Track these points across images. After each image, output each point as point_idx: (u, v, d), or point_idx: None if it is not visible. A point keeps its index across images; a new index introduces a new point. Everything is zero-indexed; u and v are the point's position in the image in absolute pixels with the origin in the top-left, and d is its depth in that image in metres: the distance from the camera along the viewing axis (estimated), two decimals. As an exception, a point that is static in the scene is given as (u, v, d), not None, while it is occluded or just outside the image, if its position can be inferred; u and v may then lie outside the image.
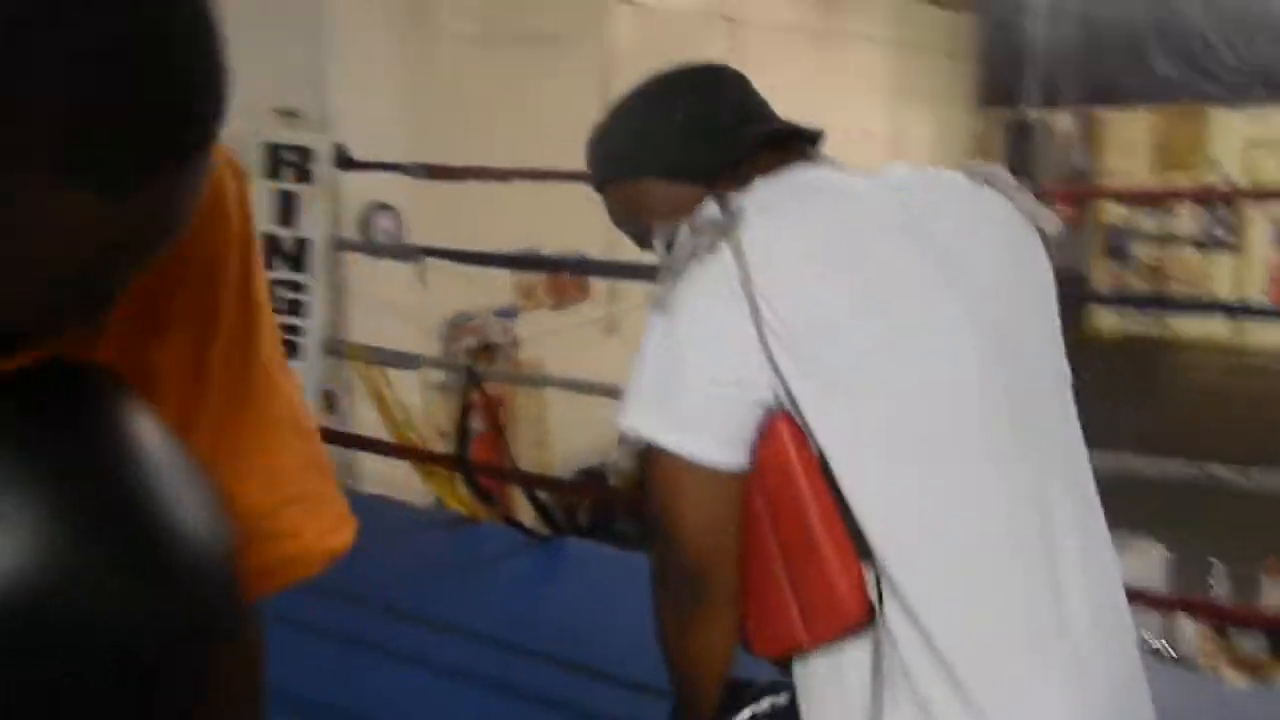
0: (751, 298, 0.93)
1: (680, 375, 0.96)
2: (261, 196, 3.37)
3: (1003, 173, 1.10)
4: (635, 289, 5.61)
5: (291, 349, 3.39)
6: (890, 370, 0.95)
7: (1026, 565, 0.95)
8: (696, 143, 1.11)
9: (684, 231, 0.98)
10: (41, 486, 0.49)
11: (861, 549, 0.93)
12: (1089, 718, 0.95)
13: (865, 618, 0.94)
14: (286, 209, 3.31)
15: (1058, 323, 1.08)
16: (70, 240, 0.48)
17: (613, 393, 3.45)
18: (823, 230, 0.99)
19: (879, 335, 0.96)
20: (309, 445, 0.74)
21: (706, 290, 0.95)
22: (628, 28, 6.15)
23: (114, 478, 0.52)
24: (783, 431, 0.95)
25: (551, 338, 6.06)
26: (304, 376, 3.34)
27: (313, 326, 3.40)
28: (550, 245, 5.15)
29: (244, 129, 3.47)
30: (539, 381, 4.89)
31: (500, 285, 5.11)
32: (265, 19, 3.93)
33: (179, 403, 0.65)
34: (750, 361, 0.94)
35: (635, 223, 1.16)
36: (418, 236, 4.06)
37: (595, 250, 5.80)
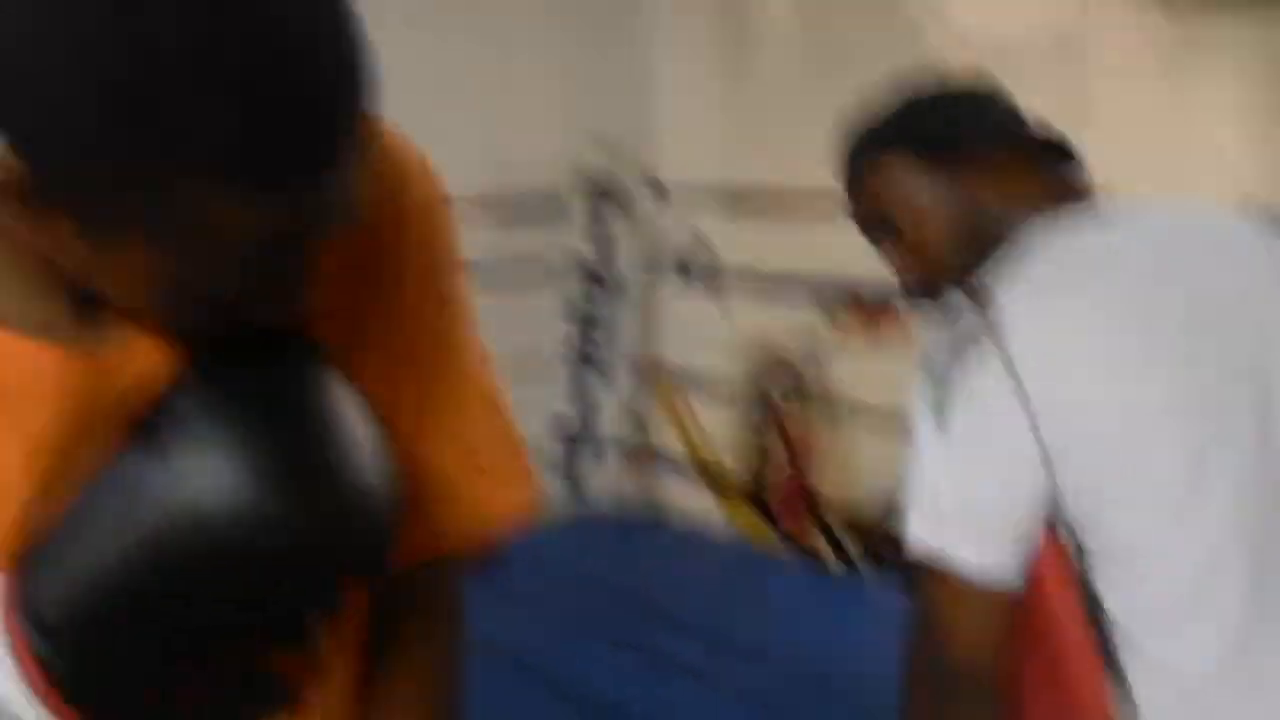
0: (1030, 412, 0.90)
1: (963, 491, 0.95)
2: (578, 224, 3.53)
3: None
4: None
5: (602, 371, 3.52)
6: (1172, 498, 0.92)
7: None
8: (961, 121, 1.08)
9: (944, 335, 0.96)
10: (236, 430, 0.59)
11: (1112, 667, 0.92)
12: None
13: None
14: (602, 236, 3.44)
15: None
16: (246, 229, 0.53)
17: None
18: (1100, 330, 0.93)
19: (1173, 461, 0.91)
20: (501, 421, 0.79)
21: (980, 406, 0.92)
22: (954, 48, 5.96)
23: (298, 430, 0.61)
24: (1048, 552, 0.94)
25: (864, 368, 5.93)
26: (613, 397, 3.46)
27: (622, 349, 3.51)
28: (868, 274, 5.06)
29: (569, 159, 3.64)
30: (847, 412, 4.79)
31: (814, 314, 5.07)
32: (591, 52, 4.15)
33: (380, 374, 0.71)
34: (1030, 479, 0.92)
35: (880, 211, 1.11)
36: (734, 262, 4.10)
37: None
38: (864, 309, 5.78)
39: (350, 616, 0.74)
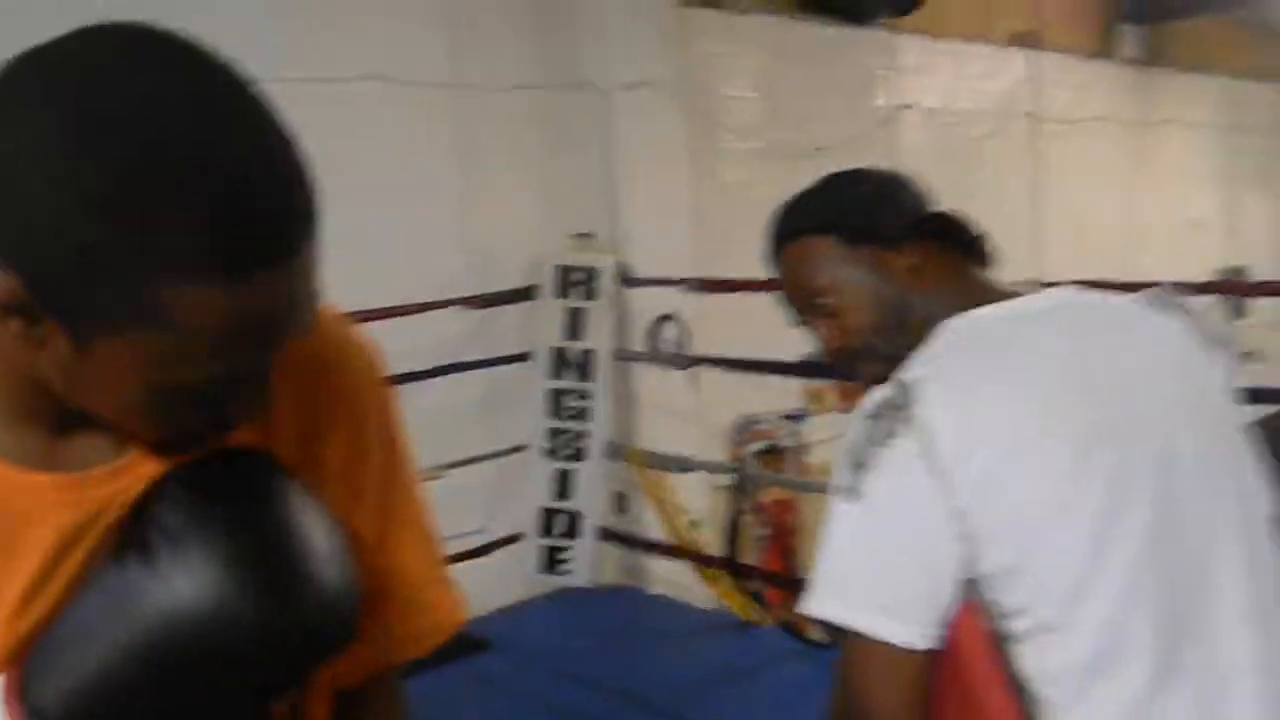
0: (944, 486, 0.96)
1: (875, 560, 0.99)
2: (554, 314, 3.66)
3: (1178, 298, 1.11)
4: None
5: (577, 454, 3.61)
6: (1084, 572, 0.97)
7: None
8: (882, 211, 1.16)
9: (862, 416, 1.02)
10: (216, 540, 0.68)
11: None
12: None
13: None
14: (574, 324, 3.57)
15: (1249, 454, 1.08)
16: (214, 320, 0.61)
17: None
18: (1008, 413, 0.98)
19: (1076, 535, 0.97)
20: (436, 542, 0.91)
21: (896, 480, 0.98)
22: (915, 133, 6.16)
23: (270, 524, 0.71)
24: (967, 617, 0.99)
25: (841, 441, 6.02)
26: (590, 480, 3.55)
27: (598, 431, 3.61)
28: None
29: (543, 254, 3.78)
30: (825, 485, 4.87)
31: (789, 389, 5.18)
32: (565, 160, 4.33)
33: (343, 493, 0.82)
34: (942, 549, 0.97)
35: (808, 289, 1.19)
36: (702, 344, 4.22)
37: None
38: (843, 383, 5.91)
39: (313, 700, 0.84)
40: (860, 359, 1.16)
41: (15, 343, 0.62)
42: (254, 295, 0.61)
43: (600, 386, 3.62)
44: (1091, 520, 0.96)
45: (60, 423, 0.70)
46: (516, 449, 3.81)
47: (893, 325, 1.13)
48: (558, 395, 3.58)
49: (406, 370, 3.54)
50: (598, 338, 3.59)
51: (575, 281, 3.56)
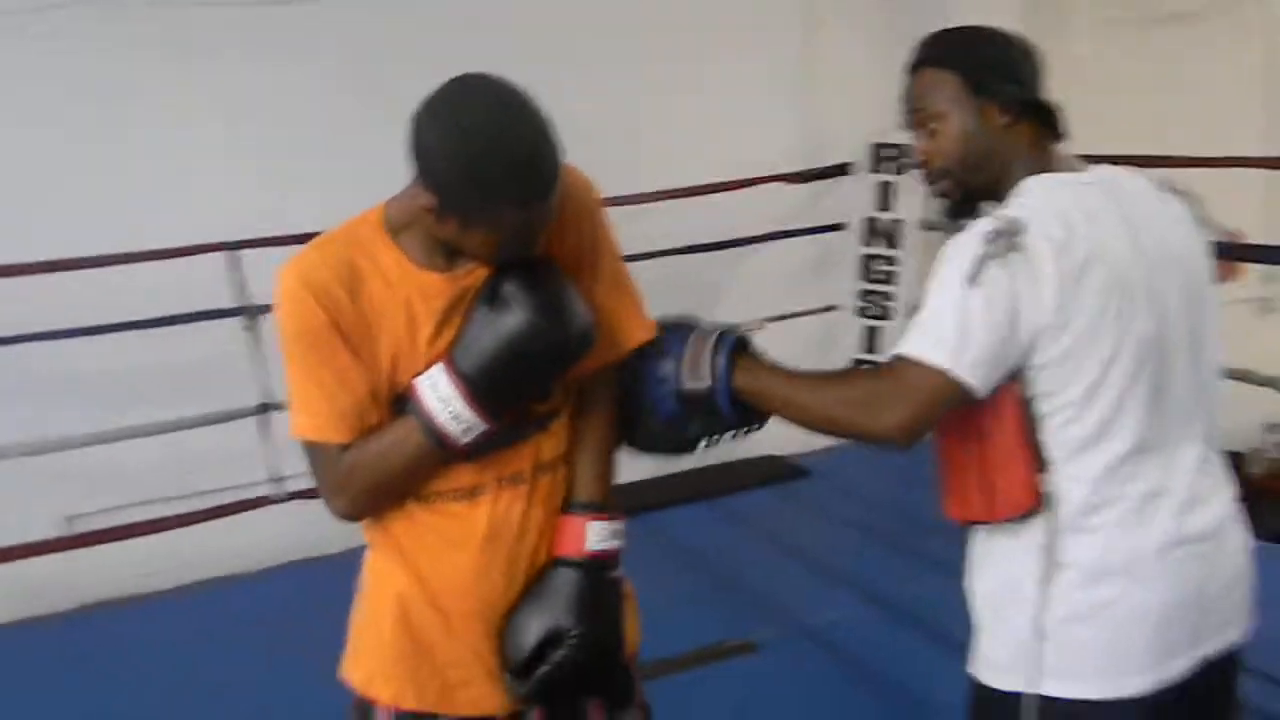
0: (1038, 294, 1.33)
1: (976, 327, 1.33)
2: (866, 187, 4.08)
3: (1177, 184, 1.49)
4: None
5: (884, 312, 4.06)
6: (1106, 358, 1.36)
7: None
8: (1003, 75, 1.45)
9: (980, 234, 1.35)
10: (534, 290, 1.33)
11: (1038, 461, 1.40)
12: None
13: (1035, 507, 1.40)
14: (885, 197, 3.98)
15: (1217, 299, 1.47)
16: (517, 222, 1.27)
17: (1263, 380, 3.50)
18: (1084, 253, 1.34)
19: (1104, 339, 1.35)
20: (633, 292, 1.52)
21: (1009, 279, 1.33)
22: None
23: (555, 287, 1.35)
24: (1010, 390, 1.39)
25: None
26: (894, 336, 3.99)
27: (902, 293, 4.03)
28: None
29: (861, 133, 4.19)
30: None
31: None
32: (902, 42, 4.60)
33: (577, 268, 1.44)
34: (1025, 334, 1.35)
35: (925, 109, 1.48)
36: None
37: (1254, 232, 5.59)
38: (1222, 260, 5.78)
39: (568, 383, 1.48)
40: (938, 175, 1.50)
41: (432, 221, 1.31)
42: (533, 211, 1.27)
43: (906, 253, 4.03)
44: (1113, 334, 1.35)
45: (447, 253, 1.38)
46: (830, 308, 4.33)
47: (973, 163, 1.46)
48: (868, 261, 4.02)
49: (742, 236, 4.14)
50: (906, 209, 3.98)
51: (887, 158, 3.95)
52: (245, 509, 3.58)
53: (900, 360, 1.38)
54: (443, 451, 1.36)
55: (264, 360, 3.47)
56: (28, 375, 3.53)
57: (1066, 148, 1.52)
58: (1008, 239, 1.34)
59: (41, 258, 3.30)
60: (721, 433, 1.55)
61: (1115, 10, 5.25)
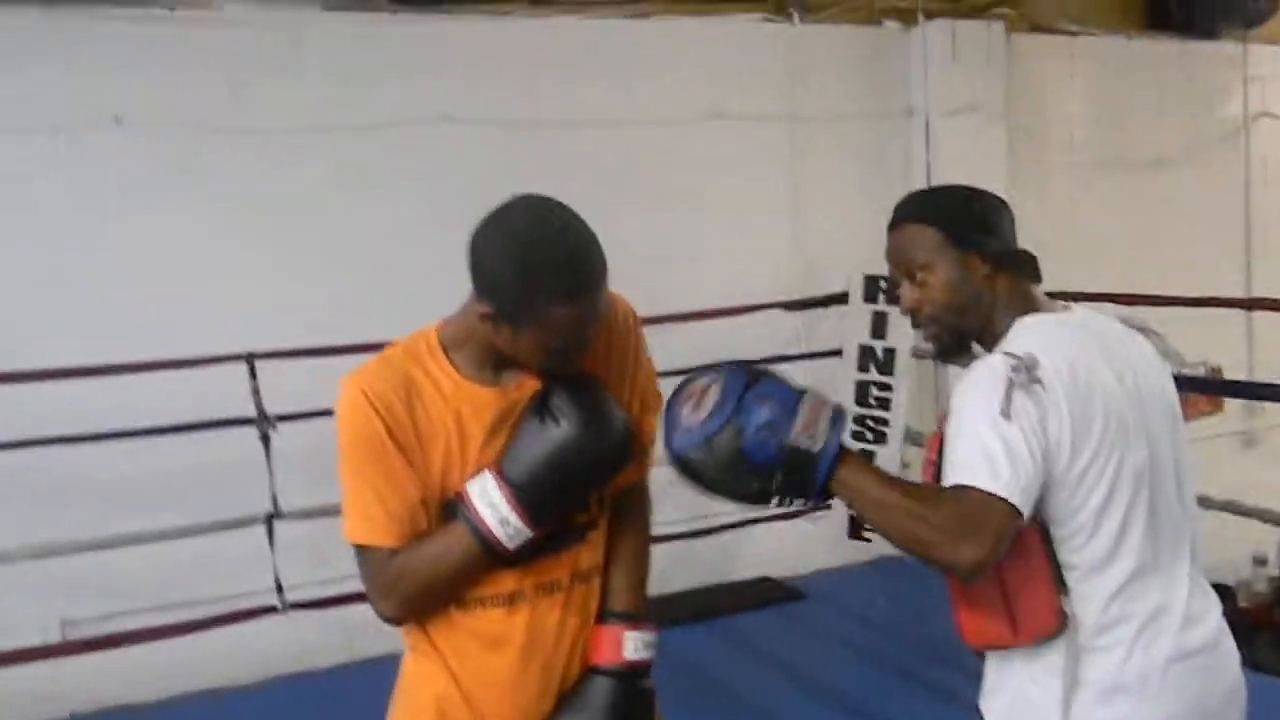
0: (1060, 421, 1.43)
1: (1019, 457, 1.39)
2: (862, 316, 4.23)
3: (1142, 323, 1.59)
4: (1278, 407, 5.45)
5: (880, 437, 4.16)
6: (1111, 481, 1.46)
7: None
8: (983, 228, 1.57)
9: (1000, 370, 1.43)
10: (581, 405, 1.42)
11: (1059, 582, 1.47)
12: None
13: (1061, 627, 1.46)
14: (879, 325, 4.13)
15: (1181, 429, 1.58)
16: (566, 321, 1.36)
17: (1249, 512, 3.60)
18: (1085, 386, 1.45)
19: (1109, 464, 1.45)
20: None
21: (1038, 409, 1.42)
22: (1272, 141, 6.04)
23: (600, 402, 1.44)
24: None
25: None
26: (889, 460, 4.08)
27: (896, 419, 4.14)
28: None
29: (860, 265, 4.36)
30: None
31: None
32: (889, 179, 4.87)
33: (617, 388, 1.53)
34: (1053, 456, 1.43)
35: (911, 262, 1.58)
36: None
37: (1230, 366, 5.76)
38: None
39: (605, 496, 1.55)
40: (927, 322, 1.59)
41: (486, 329, 1.41)
42: (582, 309, 1.36)
43: (900, 380, 4.15)
44: (1114, 462, 1.45)
45: (498, 365, 1.47)
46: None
47: (960, 309, 1.56)
48: (863, 387, 4.15)
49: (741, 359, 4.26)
50: (898, 338, 4.12)
51: (881, 288, 4.11)
52: (248, 618, 3.58)
53: (967, 490, 1.40)
54: (490, 557, 1.42)
55: (276, 469, 3.52)
56: (34, 479, 3.56)
57: (1042, 291, 1.62)
58: (1028, 372, 1.43)
59: (54, 363, 3.38)
60: (794, 498, 1.49)
61: (1095, 156, 5.51)
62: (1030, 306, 1.57)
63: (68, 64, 3.71)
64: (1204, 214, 5.85)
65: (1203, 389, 5.85)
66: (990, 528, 1.37)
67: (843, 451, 1.45)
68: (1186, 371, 5.59)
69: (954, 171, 4.81)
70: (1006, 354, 1.46)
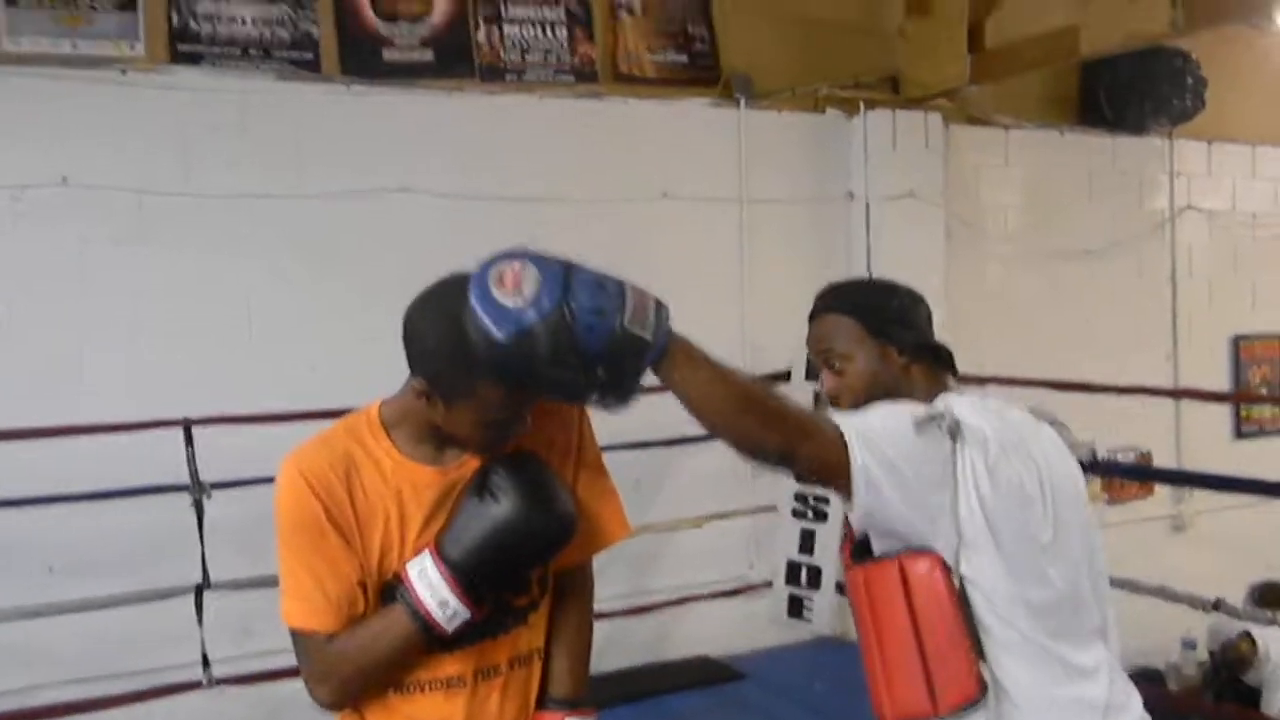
0: (967, 482, 1.45)
1: (900, 446, 1.42)
2: (804, 395, 4.28)
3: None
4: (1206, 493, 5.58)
5: (820, 515, 4.19)
6: (1031, 540, 1.49)
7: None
8: (901, 321, 1.62)
9: (926, 409, 1.48)
10: (521, 482, 1.40)
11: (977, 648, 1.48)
12: None
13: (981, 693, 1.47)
14: (822, 403, 4.18)
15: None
16: (501, 398, 1.36)
17: (1178, 597, 3.66)
18: (1000, 457, 1.47)
19: (1028, 518, 1.49)
20: (612, 492, 1.60)
21: (944, 446, 1.45)
22: (1196, 234, 6.26)
23: (541, 479, 1.42)
24: (937, 566, 1.47)
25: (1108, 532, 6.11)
26: (830, 538, 4.11)
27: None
28: (1106, 444, 5.42)
29: (798, 345, 4.42)
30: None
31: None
32: (832, 261, 4.98)
33: (561, 465, 1.53)
34: (937, 502, 1.45)
35: (831, 350, 1.64)
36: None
37: (1160, 454, 5.90)
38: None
39: (545, 576, 1.55)
40: (845, 408, 1.61)
41: (422, 406, 1.40)
42: (520, 392, 1.36)
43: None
44: (1028, 535, 1.48)
45: (439, 443, 1.47)
46: (768, 508, 4.45)
47: (878, 398, 1.58)
48: (805, 465, 4.17)
49: (683, 435, 4.28)
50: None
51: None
52: (173, 692, 3.47)
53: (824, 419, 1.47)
54: (427, 638, 1.41)
55: (207, 538, 3.44)
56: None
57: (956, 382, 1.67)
58: (950, 422, 1.46)
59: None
60: (619, 394, 1.40)
61: (1028, 244, 5.68)
62: (935, 390, 1.60)
63: (15, 123, 3.68)
64: (1133, 303, 6.03)
65: (1131, 475, 6.02)
66: (823, 443, 1.40)
67: (671, 341, 1.38)
68: (1119, 457, 5.75)
69: (893, 256, 4.95)
70: (928, 407, 1.50)
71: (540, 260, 1.33)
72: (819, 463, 1.43)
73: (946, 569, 1.47)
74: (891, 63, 5.05)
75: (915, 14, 4.92)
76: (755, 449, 1.42)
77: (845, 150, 5.11)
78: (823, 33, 5.04)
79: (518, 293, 1.29)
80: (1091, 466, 4.63)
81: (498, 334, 1.28)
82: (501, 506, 1.39)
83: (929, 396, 1.57)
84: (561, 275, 1.31)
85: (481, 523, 1.40)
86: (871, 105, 5.01)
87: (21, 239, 3.68)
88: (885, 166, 5.03)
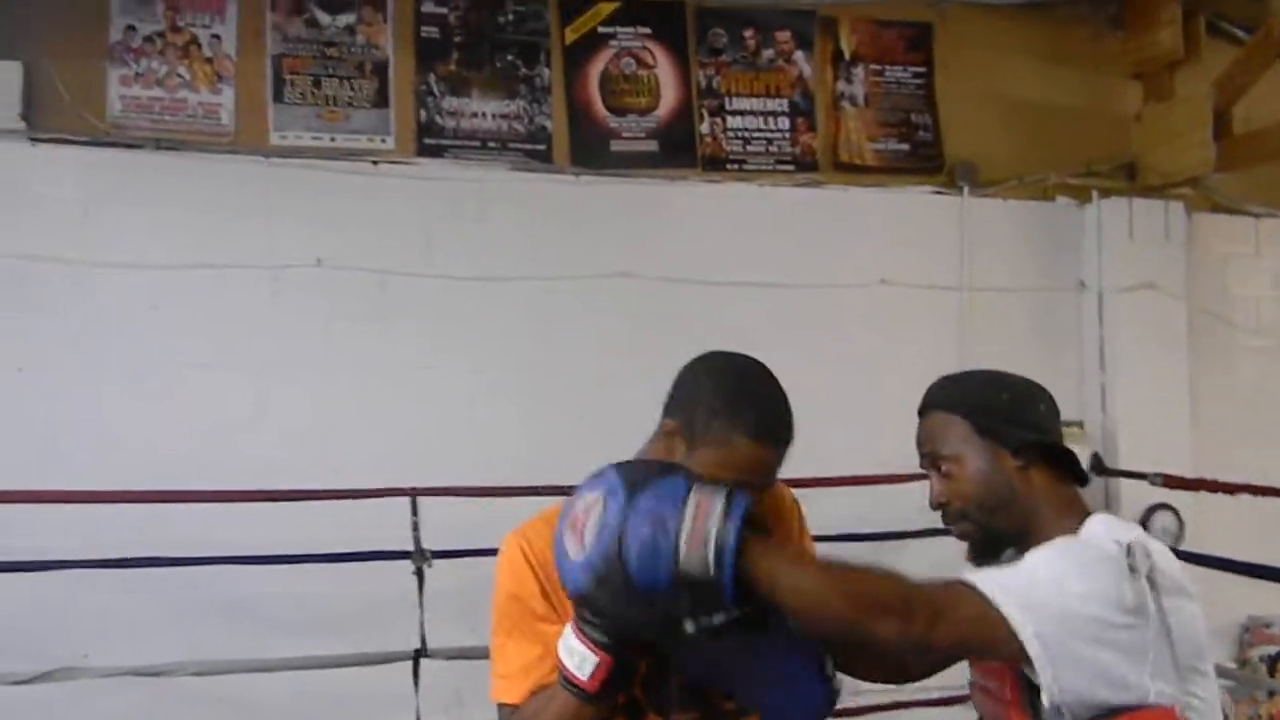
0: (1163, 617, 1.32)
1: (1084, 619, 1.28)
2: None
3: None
4: None
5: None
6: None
7: None
8: (1012, 420, 1.46)
9: (1113, 540, 1.33)
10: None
11: None
12: None
13: None
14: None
15: None
16: (752, 459, 1.39)
17: None
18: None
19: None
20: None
21: (1147, 599, 1.30)
22: None
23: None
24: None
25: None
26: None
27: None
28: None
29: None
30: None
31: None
32: (1059, 353, 4.74)
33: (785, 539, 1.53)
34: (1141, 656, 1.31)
35: (937, 452, 1.49)
36: (1198, 536, 4.30)
37: None
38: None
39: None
40: (955, 516, 1.48)
41: (672, 444, 1.43)
42: (767, 455, 1.41)
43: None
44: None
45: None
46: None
47: (990, 505, 1.44)
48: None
49: (891, 530, 4.14)
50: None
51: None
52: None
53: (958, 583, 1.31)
54: (577, 696, 1.34)
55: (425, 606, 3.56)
56: (201, 595, 3.71)
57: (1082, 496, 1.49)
58: (1146, 558, 1.31)
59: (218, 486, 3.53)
60: (711, 617, 1.28)
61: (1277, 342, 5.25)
62: (1072, 512, 1.44)
63: (278, 209, 4.03)
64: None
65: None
66: (956, 615, 1.27)
67: (742, 548, 1.22)
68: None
69: (1131, 349, 4.70)
70: (1115, 540, 1.34)
71: (610, 487, 1.26)
72: (968, 641, 1.30)
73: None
74: (1125, 150, 4.85)
75: (1154, 99, 4.71)
76: (870, 644, 1.30)
77: (1076, 239, 4.91)
78: (1051, 120, 4.90)
79: (580, 545, 1.25)
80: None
81: (570, 590, 1.29)
82: None
83: (1053, 512, 1.43)
84: (619, 509, 1.23)
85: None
86: (1105, 193, 4.80)
87: (277, 315, 4.01)
88: (1121, 256, 4.79)
